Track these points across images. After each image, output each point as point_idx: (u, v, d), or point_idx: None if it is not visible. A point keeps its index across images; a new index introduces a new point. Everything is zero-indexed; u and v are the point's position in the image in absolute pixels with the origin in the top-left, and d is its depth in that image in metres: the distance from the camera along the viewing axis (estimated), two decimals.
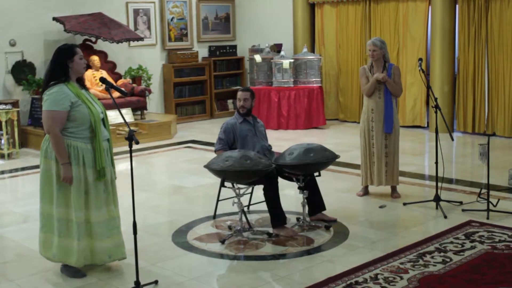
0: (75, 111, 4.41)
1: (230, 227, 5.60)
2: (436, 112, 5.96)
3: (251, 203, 6.11)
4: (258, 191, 5.83)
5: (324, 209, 5.78)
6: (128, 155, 4.26)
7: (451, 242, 5.08)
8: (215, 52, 12.49)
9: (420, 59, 6.10)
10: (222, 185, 5.48)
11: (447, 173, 6.95)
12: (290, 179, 5.68)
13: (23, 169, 8.44)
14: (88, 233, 4.51)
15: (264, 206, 5.60)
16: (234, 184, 5.31)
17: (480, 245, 5.00)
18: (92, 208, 4.50)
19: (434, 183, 6.22)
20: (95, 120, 4.46)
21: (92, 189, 4.49)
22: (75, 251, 4.48)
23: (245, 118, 5.78)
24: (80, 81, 4.61)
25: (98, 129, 4.48)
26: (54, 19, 10.06)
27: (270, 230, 5.43)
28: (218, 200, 5.94)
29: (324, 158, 5.40)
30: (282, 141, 9.24)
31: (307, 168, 5.39)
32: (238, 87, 12.44)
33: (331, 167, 6.52)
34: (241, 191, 5.30)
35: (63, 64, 4.46)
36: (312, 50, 11.80)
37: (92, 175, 4.49)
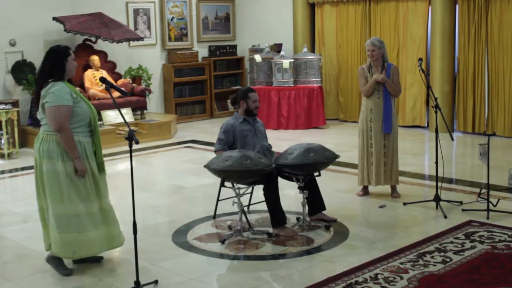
0: (77, 107, 4.52)
1: (230, 227, 5.60)
2: (436, 112, 5.96)
3: (251, 203, 6.11)
4: (258, 191, 5.83)
5: (324, 209, 5.78)
6: (128, 155, 4.26)
7: (451, 242, 5.08)
8: (215, 52, 12.49)
9: (420, 59, 6.10)
10: (222, 185, 5.48)
11: (447, 173, 6.95)
12: (290, 179, 5.68)
13: (23, 169, 8.44)
14: (103, 220, 4.67)
15: (264, 206, 5.60)
16: (234, 184, 5.31)
17: (480, 245, 5.00)
18: (103, 197, 4.69)
19: (434, 183, 6.22)
20: (95, 116, 4.63)
21: (99, 179, 4.66)
22: (96, 241, 4.62)
23: (244, 118, 5.78)
24: (70, 82, 4.67)
25: (97, 124, 4.66)
26: (54, 19, 10.05)
27: (270, 230, 5.43)
28: (218, 200, 5.94)
29: (324, 158, 5.40)
30: (282, 141, 9.23)
31: (307, 168, 5.39)
32: (238, 87, 12.43)
33: (331, 167, 6.52)
34: (241, 191, 5.30)
35: (60, 63, 4.54)
36: (312, 50, 11.80)
37: (95, 167, 4.63)
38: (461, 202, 6.16)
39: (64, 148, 4.45)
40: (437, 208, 5.97)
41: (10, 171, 8.40)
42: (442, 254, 4.82)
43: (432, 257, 4.77)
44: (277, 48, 11.81)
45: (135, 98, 10.50)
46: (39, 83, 4.60)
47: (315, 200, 5.72)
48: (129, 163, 4.29)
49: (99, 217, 4.64)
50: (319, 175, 5.65)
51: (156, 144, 9.88)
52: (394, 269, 4.55)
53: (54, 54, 4.57)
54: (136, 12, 11.57)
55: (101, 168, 4.67)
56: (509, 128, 9.59)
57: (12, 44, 10.00)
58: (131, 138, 4.18)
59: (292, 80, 11.03)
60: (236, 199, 5.30)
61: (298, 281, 4.44)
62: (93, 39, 10.40)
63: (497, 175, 7.00)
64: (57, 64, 4.54)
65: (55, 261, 4.68)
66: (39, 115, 4.60)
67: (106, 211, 4.70)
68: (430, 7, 10.33)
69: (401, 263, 4.66)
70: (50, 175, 4.50)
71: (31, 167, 8.41)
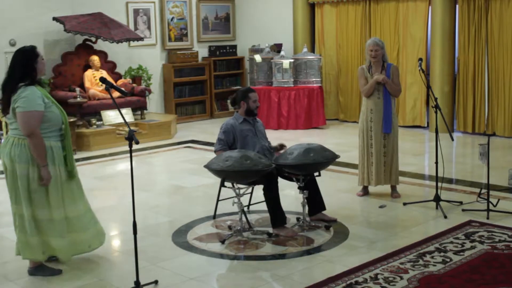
0: (48, 112, 4.47)
1: (230, 227, 5.60)
2: (436, 112, 5.96)
3: (251, 203, 6.11)
4: (258, 191, 5.83)
5: (324, 209, 5.78)
6: (128, 155, 4.26)
7: (451, 242, 5.08)
8: (215, 52, 12.49)
9: (420, 59, 6.10)
10: (222, 185, 5.48)
11: (447, 173, 6.95)
12: (290, 179, 5.68)
13: None
14: (69, 229, 4.63)
15: (264, 206, 5.60)
16: (234, 184, 5.31)
17: (480, 245, 5.00)
18: (68, 204, 4.61)
19: (434, 183, 6.22)
20: (66, 120, 4.59)
21: (66, 185, 4.59)
22: (61, 247, 4.59)
23: (245, 118, 5.78)
24: (40, 83, 4.63)
25: (68, 128, 4.61)
26: (54, 19, 10.05)
27: (270, 230, 5.43)
28: (218, 200, 5.94)
29: (324, 158, 5.40)
30: (282, 141, 9.19)
31: (307, 168, 5.39)
32: (238, 87, 12.44)
33: (331, 167, 6.52)
34: (241, 191, 5.30)
35: (31, 66, 4.48)
36: (312, 50, 11.80)
37: (64, 172, 4.58)
38: (461, 202, 6.16)
39: None
40: (437, 208, 5.97)
41: None
42: (442, 254, 4.82)
43: (432, 257, 4.77)
44: (277, 48, 11.80)
45: (135, 98, 10.50)
46: (8, 88, 4.48)
47: (315, 200, 5.71)
48: (129, 163, 4.29)
49: (65, 225, 4.59)
50: (319, 175, 5.65)
51: (156, 144, 9.88)
52: (394, 269, 4.55)
53: (23, 57, 4.48)
54: (136, 12, 11.57)
55: (72, 174, 4.60)
56: (509, 128, 9.59)
57: (12, 44, 10.00)
58: (131, 138, 4.18)
59: (292, 80, 11.03)
60: (236, 199, 5.30)
61: (298, 281, 4.44)
62: (93, 39, 10.40)
63: (497, 175, 7.00)
64: (28, 67, 4.46)
65: (38, 270, 4.66)
66: (9, 119, 4.53)
67: (70, 219, 4.62)
68: (430, 7, 10.33)
69: (401, 263, 4.66)
70: (23, 179, 4.47)
71: None
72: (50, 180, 4.46)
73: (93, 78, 10.25)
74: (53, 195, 4.52)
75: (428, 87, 6.15)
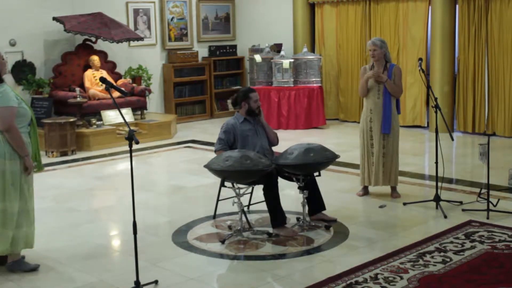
0: (20, 108, 4.60)
1: (230, 227, 5.60)
2: (436, 112, 5.96)
3: (251, 203, 6.11)
4: (258, 191, 5.83)
5: (324, 209, 5.78)
6: (128, 155, 4.26)
7: (451, 242, 5.08)
8: (215, 52, 12.49)
9: (420, 59, 6.10)
10: (222, 185, 5.49)
11: (447, 173, 6.95)
12: (290, 179, 5.68)
13: None
14: (27, 221, 4.75)
15: (264, 206, 5.60)
16: (234, 184, 5.31)
17: (480, 245, 5.00)
18: (32, 196, 4.77)
19: (434, 183, 6.22)
20: (33, 116, 4.75)
21: (32, 178, 4.77)
22: (33, 236, 4.77)
23: (245, 118, 5.78)
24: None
25: (35, 123, 4.77)
26: (54, 19, 10.05)
27: (270, 230, 5.43)
28: (218, 200, 5.94)
29: (324, 158, 5.40)
30: (282, 141, 9.16)
31: (307, 168, 5.39)
32: (238, 87, 12.44)
33: (331, 167, 6.52)
34: (241, 191, 5.30)
35: None
36: (312, 50, 11.80)
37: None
38: (461, 202, 6.16)
39: (11, 146, 4.52)
40: (437, 208, 5.97)
41: None
42: (442, 254, 4.82)
43: (432, 257, 4.77)
44: (277, 48, 11.80)
45: (135, 98, 10.49)
46: None
47: (315, 200, 5.71)
48: (129, 163, 4.30)
49: (30, 215, 4.72)
50: (319, 175, 5.65)
51: (156, 144, 9.88)
52: (394, 269, 4.55)
53: None
54: (136, 12, 11.57)
55: (39, 167, 4.77)
56: (509, 128, 9.59)
57: (12, 44, 10.00)
58: (131, 138, 4.18)
59: (292, 80, 11.03)
60: (236, 199, 5.30)
61: (298, 281, 4.44)
62: (93, 39, 10.40)
63: (497, 175, 7.00)
64: None
65: (16, 265, 4.71)
66: None
67: (32, 210, 4.78)
68: (430, 7, 10.33)
69: (401, 263, 4.66)
70: None
71: None
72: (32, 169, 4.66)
73: (93, 78, 10.25)
74: (29, 188, 4.68)
75: (428, 87, 6.15)
